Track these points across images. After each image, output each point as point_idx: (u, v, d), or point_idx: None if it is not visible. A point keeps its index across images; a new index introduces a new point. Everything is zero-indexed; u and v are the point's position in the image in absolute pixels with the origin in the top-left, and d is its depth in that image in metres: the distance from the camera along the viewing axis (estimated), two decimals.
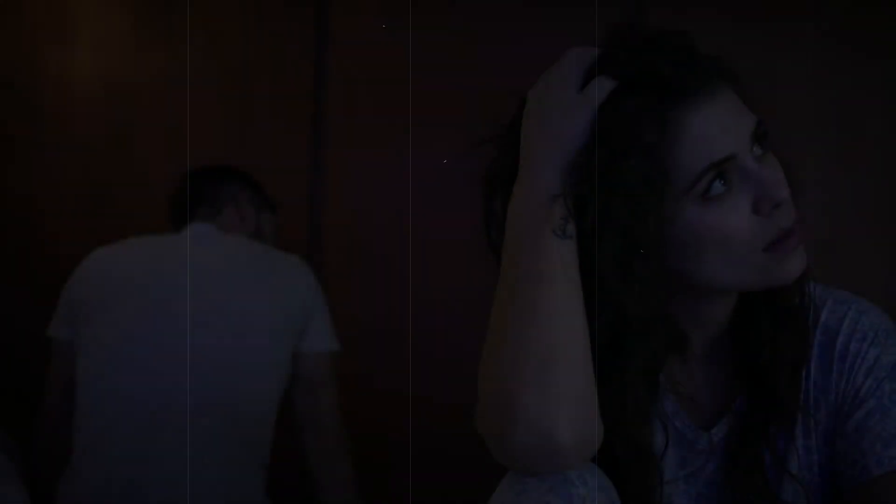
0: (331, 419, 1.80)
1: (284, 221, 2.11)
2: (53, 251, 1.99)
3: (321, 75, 2.45)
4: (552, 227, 0.84)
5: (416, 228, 2.32)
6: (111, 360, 1.69)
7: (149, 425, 1.64)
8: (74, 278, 1.80)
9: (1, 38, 2.82)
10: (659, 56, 0.85)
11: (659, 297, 0.87)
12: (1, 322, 2.77)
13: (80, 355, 1.72)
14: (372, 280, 2.41)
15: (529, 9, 2.21)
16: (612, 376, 0.87)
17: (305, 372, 1.80)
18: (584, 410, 0.82)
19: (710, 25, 1.85)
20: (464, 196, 2.19)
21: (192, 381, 1.65)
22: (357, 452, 1.83)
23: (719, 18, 1.99)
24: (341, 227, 2.43)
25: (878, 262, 1.99)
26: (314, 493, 1.81)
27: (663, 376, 0.95)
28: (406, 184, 2.34)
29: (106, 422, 1.66)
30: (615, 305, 0.86)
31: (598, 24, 0.95)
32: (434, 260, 2.30)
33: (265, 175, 2.06)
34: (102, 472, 1.63)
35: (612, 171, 0.84)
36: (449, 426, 1.79)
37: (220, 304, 1.72)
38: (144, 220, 1.93)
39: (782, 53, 1.99)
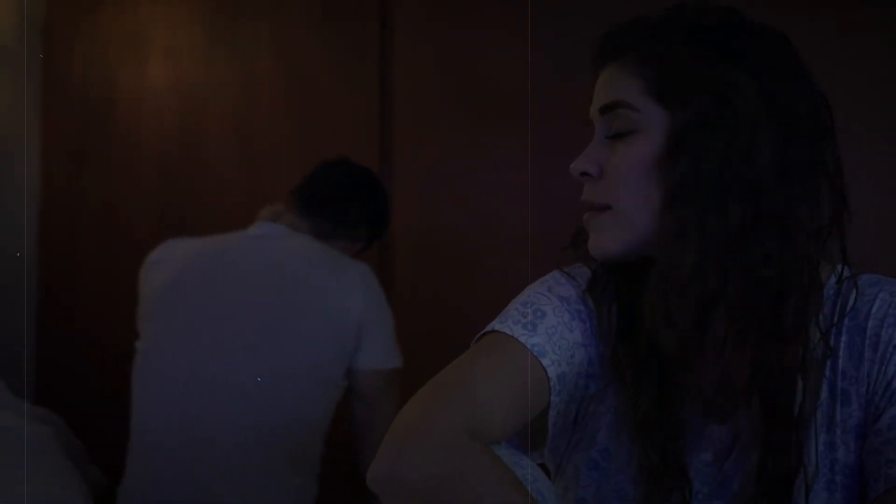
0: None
1: None
2: (129, 258, 2.03)
3: (387, 79, 2.45)
4: None
5: (492, 230, 2.29)
6: (158, 371, 1.69)
7: (196, 440, 1.63)
8: (145, 270, 1.81)
9: (77, 53, 2.89)
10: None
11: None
12: (79, 331, 2.83)
13: (136, 360, 1.74)
14: (444, 285, 2.38)
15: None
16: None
17: (361, 388, 1.75)
18: None
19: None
20: (542, 197, 2.18)
21: (239, 394, 1.63)
22: None
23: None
24: (412, 229, 2.41)
25: None
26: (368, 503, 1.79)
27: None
28: (477, 182, 2.31)
29: (154, 433, 1.66)
30: None
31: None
32: (509, 264, 2.27)
33: None
34: (152, 489, 1.64)
35: None
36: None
37: (274, 314, 1.68)
38: (217, 229, 1.94)
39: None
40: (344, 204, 1.86)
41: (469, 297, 2.28)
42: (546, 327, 0.91)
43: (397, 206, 2.41)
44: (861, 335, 0.89)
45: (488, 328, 0.93)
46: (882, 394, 0.87)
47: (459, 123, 2.35)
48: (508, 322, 0.91)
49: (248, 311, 1.68)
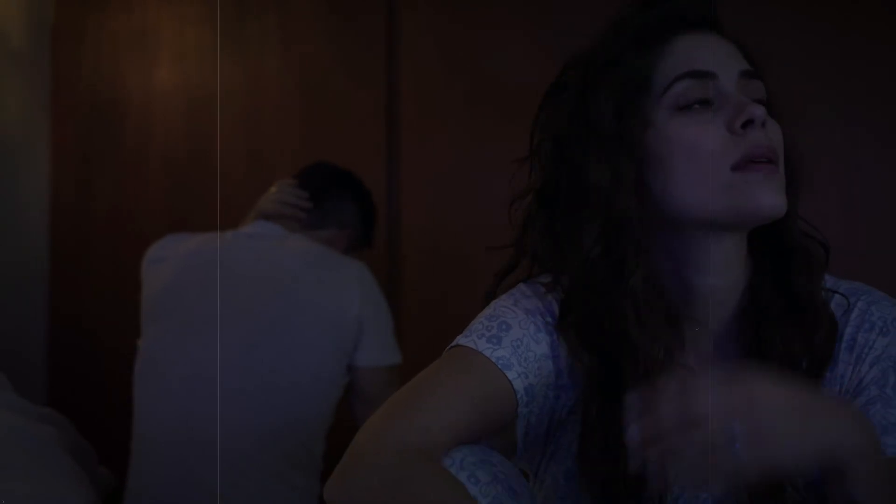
0: None
1: None
2: (138, 261, 2.05)
3: (394, 76, 2.45)
4: None
5: (500, 231, 2.28)
6: (159, 372, 1.71)
7: (198, 441, 1.64)
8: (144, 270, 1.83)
9: (86, 55, 2.90)
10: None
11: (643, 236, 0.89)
12: (89, 335, 2.85)
13: (137, 360, 1.76)
14: (451, 286, 2.38)
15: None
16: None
17: (361, 385, 1.76)
18: None
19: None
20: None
21: (240, 394, 1.64)
22: None
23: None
24: (420, 227, 2.42)
25: None
26: None
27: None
28: (485, 182, 2.31)
29: (155, 434, 1.68)
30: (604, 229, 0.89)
31: None
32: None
33: None
34: (155, 490, 1.65)
35: (600, 79, 0.91)
36: None
37: (272, 314, 1.69)
38: (226, 229, 1.95)
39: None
40: (327, 189, 1.90)
41: (476, 300, 2.28)
42: (511, 340, 0.91)
43: (404, 207, 2.42)
44: (838, 340, 0.92)
45: (454, 342, 0.93)
46: (853, 391, 0.90)
47: (467, 122, 2.35)
48: (473, 336, 0.92)
49: (247, 311, 1.69)
